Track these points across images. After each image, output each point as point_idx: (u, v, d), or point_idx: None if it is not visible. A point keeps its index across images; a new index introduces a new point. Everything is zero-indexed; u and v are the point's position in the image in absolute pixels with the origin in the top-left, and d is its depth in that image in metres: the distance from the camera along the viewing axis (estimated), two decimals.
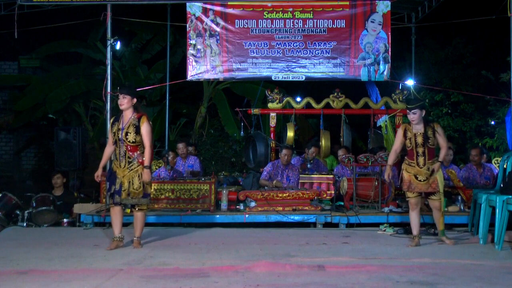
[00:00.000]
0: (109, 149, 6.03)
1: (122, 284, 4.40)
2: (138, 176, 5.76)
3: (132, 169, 5.76)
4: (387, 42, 9.01)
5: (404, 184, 6.06)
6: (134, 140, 5.74)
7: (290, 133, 9.74)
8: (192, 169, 8.77)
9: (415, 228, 6.08)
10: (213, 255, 5.52)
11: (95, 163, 13.60)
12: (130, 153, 5.76)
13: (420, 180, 5.95)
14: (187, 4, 9.07)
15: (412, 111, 5.91)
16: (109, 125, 5.99)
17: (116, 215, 5.88)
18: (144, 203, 5.87)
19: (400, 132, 6.12)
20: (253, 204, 7.72)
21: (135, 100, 5.89)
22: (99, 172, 6.01)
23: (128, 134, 5.74)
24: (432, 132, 5.91)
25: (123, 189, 5.75)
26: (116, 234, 5.90)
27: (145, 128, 5.77)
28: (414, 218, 6.08)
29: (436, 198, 6.01)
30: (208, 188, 7.68)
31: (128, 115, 5.84)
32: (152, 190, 7.72)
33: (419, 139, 5.92)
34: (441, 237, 6.19)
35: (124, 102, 5.82)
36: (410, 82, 12.63)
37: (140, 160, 5.76)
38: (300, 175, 8.44)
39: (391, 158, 6.23)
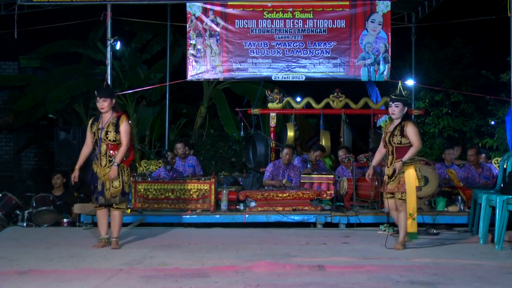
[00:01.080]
0: (86, 150, 5.95)
1: (122, 284, 4.40)
2: (118, 174, 5.75)
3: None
4: (387, 42, 9.02)
5: (383, 185, 5.93)
6: (114, 139, 5.75)
7: (290, 133, 9.74)
8: (194, 173, 8.77)
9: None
10: (213, 255, 5.52)
11: None
12: (111, 152, 5.76)
13: (390, 180, 5.76)
14: (187, 4, 9.07)
15: (395, 103, 5.73)
16: (88, 126, 5.93)
17: (102, 216, 5.93)
18: (123, 202, 5.88)
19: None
20: (253, 204, 7.72)
21: (114, 101, 5.88)
22: (75, 173, 5.96)
23: (108, 133, 5.75)
24: (400, 131, 5.67)
25: (105, 188, 5.78)
26: (103, 235, 5.94)
27: (124, 127, 5.77)
28: (395, 220, 5.90)
29: (396, 197, 5.71)
30: (208, 188, 7.68)
31: (108, 115, 5.83)
32: (153, 190, 7.79)
33: (387, 137, 5.76)
34: (399, 244, 5.77)
35: (105, 105, 5.80)
36: (410, 82, 12.64)
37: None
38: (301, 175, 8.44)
39: (375, 159, 6.04)
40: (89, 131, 5.89)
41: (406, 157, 5.62)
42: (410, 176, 5.62)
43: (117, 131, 5.75)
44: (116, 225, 5.90)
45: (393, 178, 5.69)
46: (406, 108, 5.80)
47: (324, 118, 9.80)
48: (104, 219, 5.94)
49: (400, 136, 5.66)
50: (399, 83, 6.02)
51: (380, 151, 6.00)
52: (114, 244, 5.88)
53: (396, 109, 5.73)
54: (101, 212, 5.93)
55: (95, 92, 5.90)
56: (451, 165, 8.87)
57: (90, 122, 5.97)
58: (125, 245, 6.07)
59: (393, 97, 5.80)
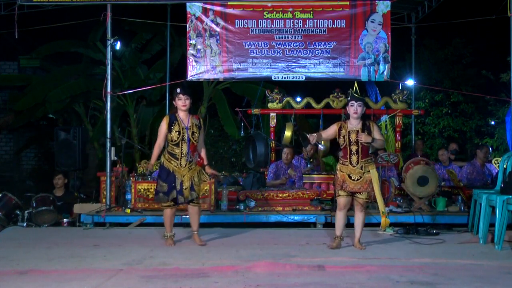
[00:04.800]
0: (157, 151, 6.05)
1: (122, 284, 4.40)
2: (197, 173, 5.95)
3: (191, 169, 5.91)
4: (387, 42, 9.01)
5: (337, 183, 5.85)
6: (197, 140, 5.94)
7: (288, 133, 9.74)
8: None
9: (339, 229, 5.89)
10: (213, 255, 5.52)
11: (95, 163, 13.72)
12: (191, 153, 5.90)
13: (353, 180, 5.75)
14: (187, 4, 9.06)
15: (358, 102, 5.73)
16: (164, 126, 5.92)
17: (172, 214, 6.05)
18: (199, 198, 6.09)
19: (335, 127, 5.88)
20: (253, 204, 7.72)
21: (191, 102, 6.05)
22: (151, 166, 6.20)
23: (194, 133, 5.89)
24: (368, 131, 5.72)
25: (184, 187, 5.86)
26: (170, 233, 6.08)
27: (203, 130, 6.05)
28: (340, 218, 5.89)
29: (361, 197, 5.77)
30: (208, 188, 7.68)
31: (186, 115, 5.94)
32: (153, 190, 7.81)
33: (353, 136, 5.73)
34: (356, 243, 5.87)
35: (187, 103, 5.93)
36: (410, 82, 12.65)
37: (198, 160, 5.96)
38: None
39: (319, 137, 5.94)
40: (165, 131, 5.90)
41: (378, 137, 5.74)
42: (375, 175, 5.76)
43: (199, 132, 5.94)
44: (196, 219, 6.10)
45: (360, 178, 5.72)
46: (365, 109, 5.86)
47: (324, 118, 9.79)
48: (172, 217, 6.08)
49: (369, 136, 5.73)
50: (355, 83, 6.02)
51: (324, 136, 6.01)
52: (197, 237, 6.08)
53: (359, 108, 5.76)
54: (171, 210, 6.02)
55: (178, 89, 5.96)
56: (449, 165, 8.88)
57: (166, 121, 5.93)
58: (125, 245, 6.07)
59: (356, 96, 5.80)
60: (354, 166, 5.75)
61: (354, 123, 5.80)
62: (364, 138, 5.66)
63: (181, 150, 5.85)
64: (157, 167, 9.27)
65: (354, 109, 5.76)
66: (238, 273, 4.72)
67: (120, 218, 7.63)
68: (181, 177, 5.84)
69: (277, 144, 9.77)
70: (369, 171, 5.74)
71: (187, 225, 7.53)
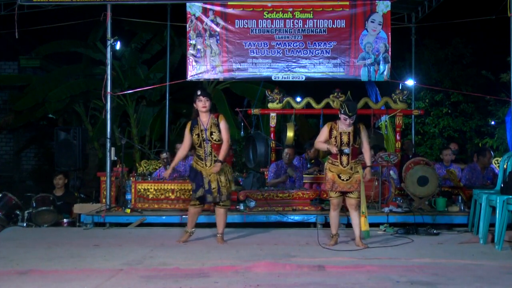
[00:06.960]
0: (182, 153, 6.25)
1: (122, 284, 4.40)
2: (224, 173, 6.00)
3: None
4: (387, 42, 9.01)
5: (328, 183, 5.97)
6: (218, 139, 5.97)
7: (290, 133, 9.73)
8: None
9: (334, 228, 6.07)
10: (213, 255, 5.52)
11: (95, 163, 13.70)
12: (216, 152, 5.97)
13: (343, 180, 5.89)
14: (187, 4, 9.06)
15: (351, 118, 5.79)
16: (186, 131, 6.11)
17: (196, 213, 6.20)
18: (228, 199, 6.12)
19: (326, 129, 5.96)
20: (253, 204, 7.72)
21: (212, 102, 6.16)
22: (169, 172, 6.31)
23: (213, 133, 5.97)
24: (358, 132, 5.86)
25: (212, 187, 5.97)
26: (190, 229, 6.22)
27: (223, 125, 6.00)
28: (334, 218, 6.06)
29: (353, 196, 5.93)
30: None
31: (206, 116, 6.04)
32: (153, 190, 7.84)
33: (345, 138, 5.84)
34: (358, 241, 5.97)
35: (207, 104, 6.02)
36: (410, 82, 12.66)
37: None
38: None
39: (323, 146, 5.98)
40: (188, 134, 6.07)
41: (368, 161, 5.95)
42: (361, 175, 5.92)
43: (219, 131, 5.98)
44: (222, 221, 6.17)
45: (349, 178, 5.88)
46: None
47: (324, 118, 9.78)
48: (196, 216, 6.22)
49: (359, 138, 5.88)
50: (348, 94, 6.06)
51: (322, 145, 5.99)
52: (220, 239, 6.17)
53: (351, 121, 5.85)
54: (196, 210, 6.18)
55: (199, 91, 6.11)
56: (450, 165, 8.87)
57: (189, 126, 6.11)
58: (125, 245, 6.07)
59: (350, 114, 5.77)
60: (344, 167, 5.90)
61: (345, 126, 5.90)
62: (367, 177, 5.93)
63: (204, 151, 5.99)
64: (157, 167, 9.31)
65: (347, 122, 5.85)
66: (238, 273, 4.73)
67: (120, 218, 7.63)
68: (208, 177, 5.97)
69: (277, 144, 9.76)
70: (357, 171, 5.90)
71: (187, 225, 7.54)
